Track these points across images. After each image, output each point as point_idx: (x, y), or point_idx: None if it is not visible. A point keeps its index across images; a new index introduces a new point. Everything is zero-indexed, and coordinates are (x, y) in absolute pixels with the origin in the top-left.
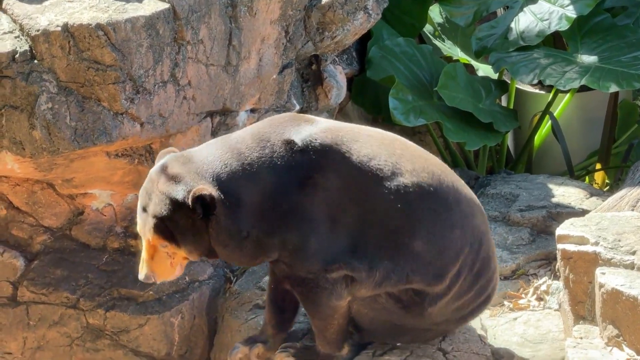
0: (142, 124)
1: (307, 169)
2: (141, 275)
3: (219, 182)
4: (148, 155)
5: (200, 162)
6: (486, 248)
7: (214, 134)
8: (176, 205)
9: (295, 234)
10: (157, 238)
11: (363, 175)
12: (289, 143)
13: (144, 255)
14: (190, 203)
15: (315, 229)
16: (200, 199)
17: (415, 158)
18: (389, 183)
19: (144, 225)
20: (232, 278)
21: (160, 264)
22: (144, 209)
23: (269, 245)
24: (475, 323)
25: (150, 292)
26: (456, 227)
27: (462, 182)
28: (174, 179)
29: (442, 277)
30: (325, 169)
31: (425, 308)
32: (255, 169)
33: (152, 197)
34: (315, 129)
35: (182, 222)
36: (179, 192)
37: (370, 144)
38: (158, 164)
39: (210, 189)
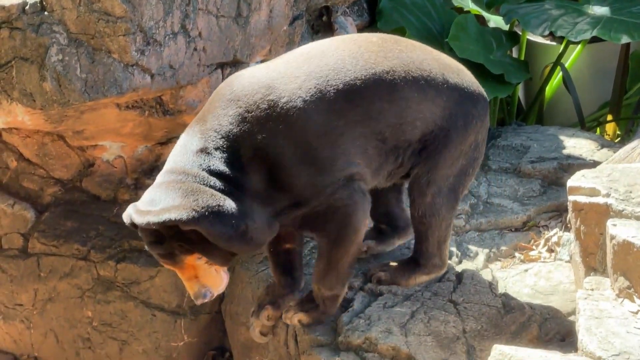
0: (152, 76)
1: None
2: (196, 296)
3: (198, 194)
4: (158, 107)
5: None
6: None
7: None
8: (170, 227)
9: (299, 168)
10: (188, 256)
11: None
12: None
13: (187, 279)
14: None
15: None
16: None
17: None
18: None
19: (169, 255)
20: None
21: (207, 276)
22: (158, 242)
23: (280, 208)
24: (486, 274)
25: None
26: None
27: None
28: (151, 204)
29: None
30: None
31: None
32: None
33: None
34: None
35: (188, 237)
36: (162, 216)
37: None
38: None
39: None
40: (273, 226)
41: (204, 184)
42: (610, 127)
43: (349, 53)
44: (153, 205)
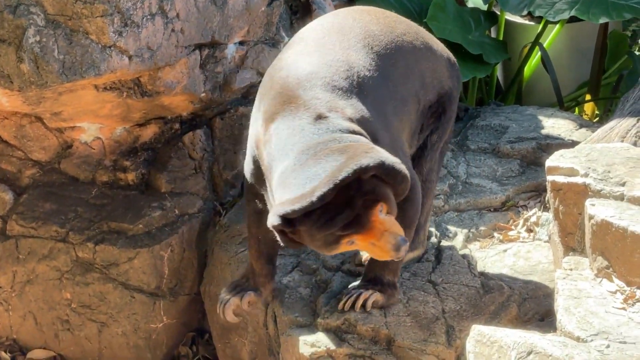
0: (130, 57)
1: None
2: (397, 247)
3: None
4: (136, 88)
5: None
6: None
7: (203, 66)
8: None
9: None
10: (373, 211)
11: None
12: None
13: (378, 237)
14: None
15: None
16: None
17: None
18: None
19: (356, 219)
20: (221, 211)
21: (394, 225)
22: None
23: None
24: (465, 255)
25: (140, 226)
26: None
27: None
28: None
29: None
30: None
31: None
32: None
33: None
34: None
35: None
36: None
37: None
38: None
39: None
40: None
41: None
42: (588, 107)
43: (369, 20)
44: (316, 178)
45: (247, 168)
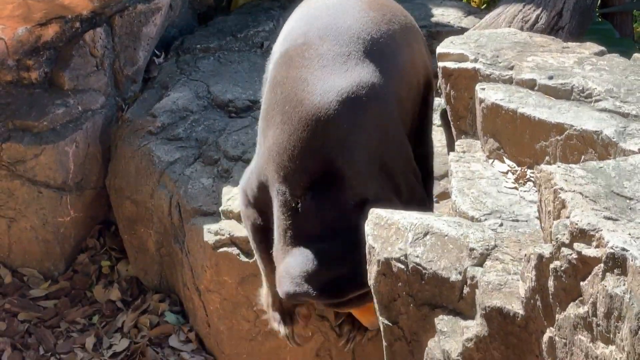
0: None
1: None
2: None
3: None
4: None
5: None
6: None
7: None
8: None
9: None
10: None
11: None
12: None
13: None
14: None
15: None
16: None
17: None
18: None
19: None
20: (123, 106)
21: None
22: None
23: None
24: None
25: (45, 123)
26: None
27: None
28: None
29: None
30: None
31: None
32: None
33: None
34: None
35: None
36: None
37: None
38: None
39: None
40: None
41: None
42: None
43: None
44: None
45: (251, 186)
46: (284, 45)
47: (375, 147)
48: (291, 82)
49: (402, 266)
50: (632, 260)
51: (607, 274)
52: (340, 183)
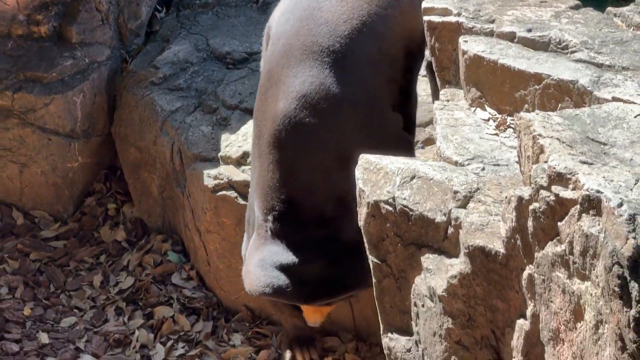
0: None
1: None
2: None
3: None
4: None
5: None
6: None
7: None
8: None
9: None
10: None
11: None
12: None
13: None
14: None
15: None
16: None
17: None
18: None
19: None
20: (127, 58)
21: None
22: None
23: None
24: None
25: (54, 74)
26: None
27: None
28: None
29: None
30: None
31: None
32: None
33: None
34: None
35: None
36: None
37: None
38: None
39: None
40: None
41: None
42: None
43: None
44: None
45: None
46: (270, 46)
47: (327, 168)
48: (260, 114)
49: (390, 208)
50: (606, 202)
51: (583, 214)
52: (297, 208)
